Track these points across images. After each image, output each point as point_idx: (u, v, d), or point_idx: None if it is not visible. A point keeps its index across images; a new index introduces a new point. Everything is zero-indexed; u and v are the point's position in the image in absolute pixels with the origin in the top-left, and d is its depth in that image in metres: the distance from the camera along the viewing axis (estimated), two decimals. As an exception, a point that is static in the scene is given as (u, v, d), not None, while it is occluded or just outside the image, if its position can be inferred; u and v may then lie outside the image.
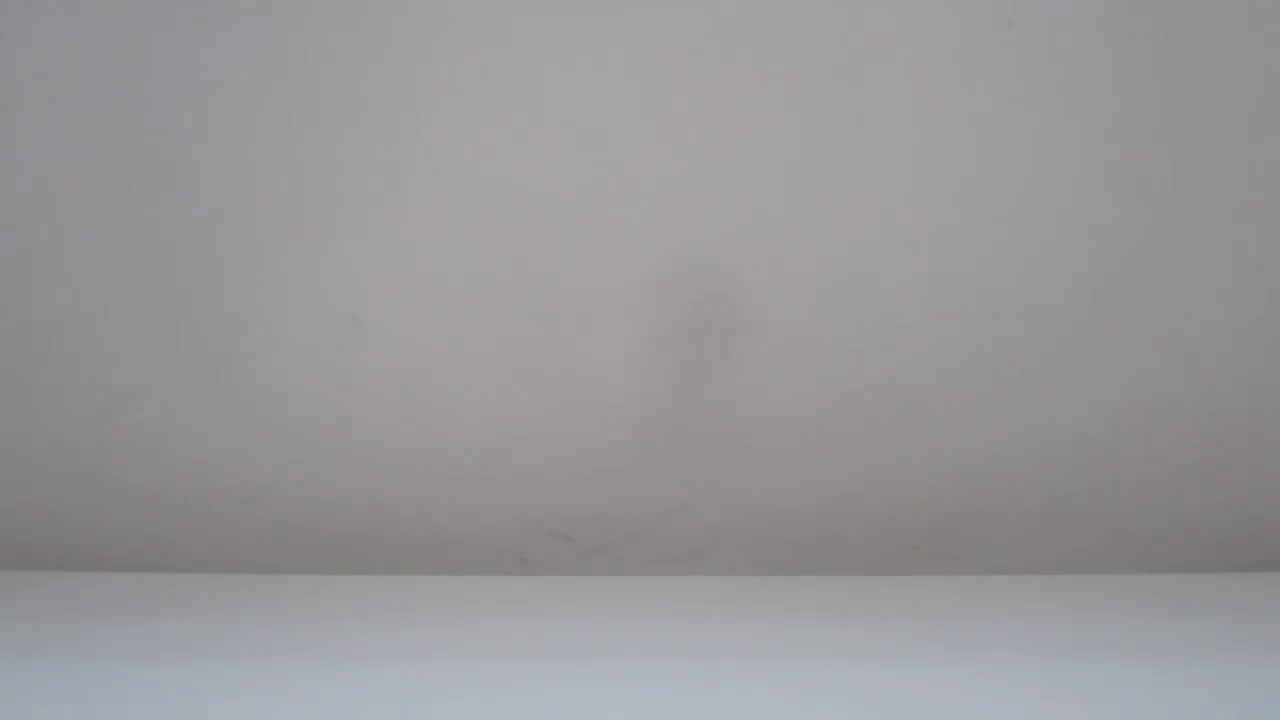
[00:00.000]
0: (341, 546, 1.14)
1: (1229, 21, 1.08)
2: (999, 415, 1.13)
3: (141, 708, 0.83)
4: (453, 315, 1.12)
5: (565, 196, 1.10)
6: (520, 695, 0.85)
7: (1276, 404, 1.13)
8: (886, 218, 1.11)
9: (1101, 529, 1.15)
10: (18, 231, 1.09)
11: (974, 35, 1.08)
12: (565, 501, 1.14)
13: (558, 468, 1.14)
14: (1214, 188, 1.10)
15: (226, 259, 1.10)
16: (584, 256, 1.11)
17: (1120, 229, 1.11)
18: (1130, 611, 1.04)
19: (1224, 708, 0.84)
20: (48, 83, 1.07)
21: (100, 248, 1.10)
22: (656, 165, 1.10)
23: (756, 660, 0.92)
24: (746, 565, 1.15)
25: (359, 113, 1.08)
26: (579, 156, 1.10)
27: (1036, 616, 1.03)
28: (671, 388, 1.13)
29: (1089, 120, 1.09)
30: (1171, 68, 1.09)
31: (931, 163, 1.10)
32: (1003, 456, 1.14)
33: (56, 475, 1.13)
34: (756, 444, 1.14)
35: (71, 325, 1.10)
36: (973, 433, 1.13)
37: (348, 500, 1.14)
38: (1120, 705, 0.84)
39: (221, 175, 1.09)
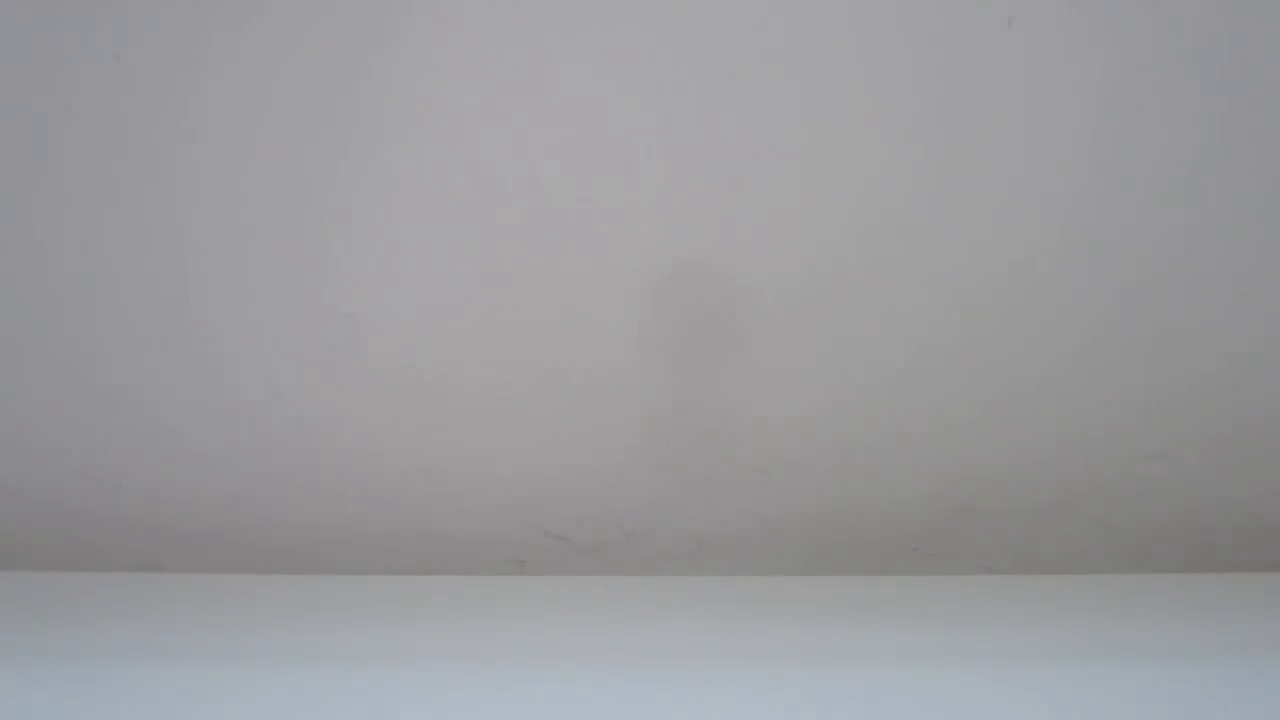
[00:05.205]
0: (337, 546, 1.14)
1: (1231, 18, 1.08)
2: (999, 415, 1.13)
3: (140, 708, 0.83)
4: (448, 314, 1.11)
5: (563, 194, 1.10)
6: (516, 695, 0.85)
7: (1277, 404, 1.13)
8: (886, 217, 1.10)
9: (1101, 529, 1.15)
10: (12, 230, 1.09)
11: (974, 33, 1.08)
12: (562, 501, 1.14)
13: (554, 467, 1.13)
14: (1215, 187, 1.10)
15: (220, 258, 1.10)
16: (581, 255, 1.11)
17: (1120, 229, 1.11)
18: (1130, 611, 1.04)
19: (1224, 708, 0.84)
20: (41, 80, 1.07)
21: (93, 247, 1.09)
22: (655, 164, 1.09)
23: (755, 660, 0.92)
24: (745, 565, 1.15)
25: (354, 110, 1.08)
26: (577, 155, 1.09)
27: (1036, 616, 1.03)
28: (670, 387, 1.13)
29: (1089, 120, 1.09)
30: (1173, 66, 1.09)
31: (931, 162, 1.10)
32: (1003, 457, 1.14)
33: (53, 475, 1.12)
34: (756, 444, 1.13)
35: (63, 325, 1.10)
36: (973, 433, 1.13)
37: (343, 500, 1.13)
38: (1120, 705, 0.84)
39: (215, 174, 1.09)
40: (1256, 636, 0.97)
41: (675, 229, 1.11)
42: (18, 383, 1.11)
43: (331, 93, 1.08)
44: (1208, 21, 1.08)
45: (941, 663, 0.91)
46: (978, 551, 1.15)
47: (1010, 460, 1.14)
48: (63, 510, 1.13)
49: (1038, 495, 1.14)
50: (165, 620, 1.01)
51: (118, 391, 1.11)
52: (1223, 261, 1.11)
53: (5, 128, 1.08)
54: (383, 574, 1.14)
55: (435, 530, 1.14)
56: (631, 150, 1.09)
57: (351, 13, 1.07)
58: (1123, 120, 1.09)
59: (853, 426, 1.13)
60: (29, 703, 0.84)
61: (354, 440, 1.13)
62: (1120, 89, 1.09)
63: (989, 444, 1.13)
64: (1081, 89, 1.09)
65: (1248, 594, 1.09)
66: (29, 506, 1.13)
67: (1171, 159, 1.10)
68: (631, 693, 0.86)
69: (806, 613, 1.04)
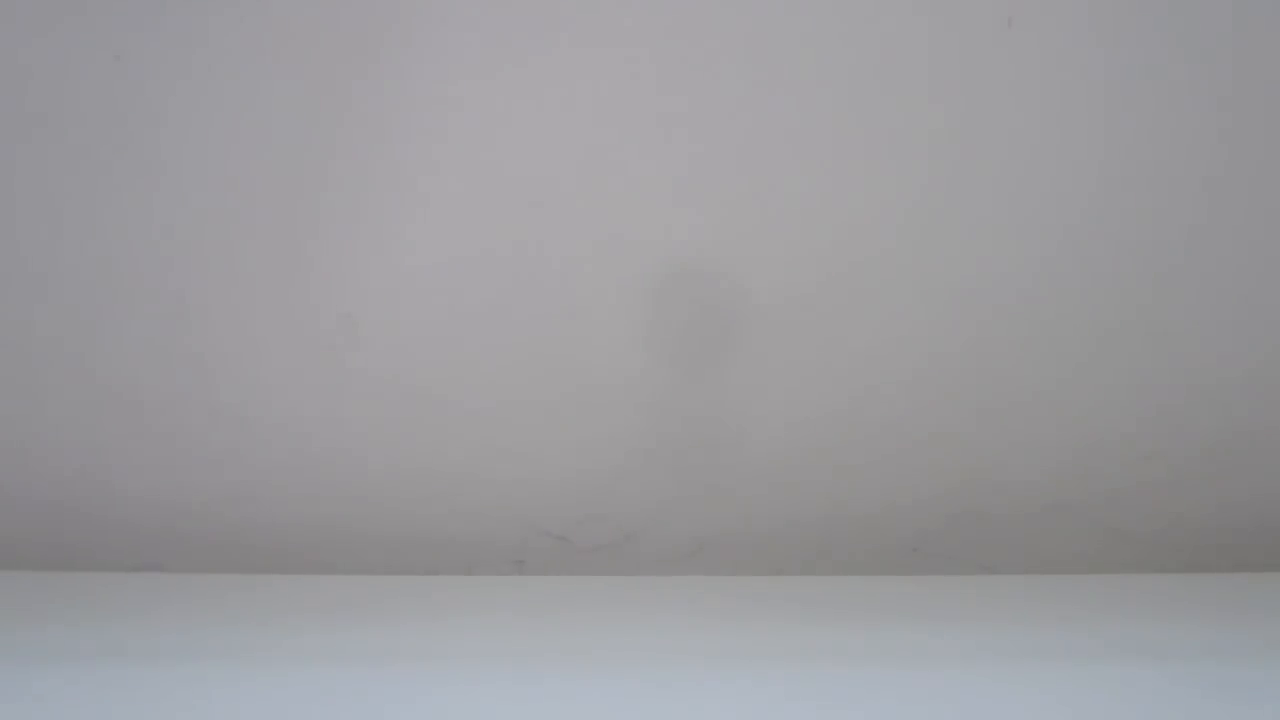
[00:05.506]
0: (336, 547, 1.14)
1: (1233, 18, 1.08)
2: (1000, 417, 1.13)
3: (140, 708, 0.83)
4: (447, 314, 1.11)
5: (563, 194, 1.10)
6: (516, 695, 0.85)
7: (1275, 405, 1.13)
8: (887, 218, 1.10)
9: (1101, 529, 1.15)
10: (12, 231, 1.09)
11: (974, 33, 1.08)
12: (561, 502, 1.14)
13: (554, 468, 1.13)
14: (1216, 190, 1.10)
15: (218, 258, 1.10)
16: (581, 255, 1.11)
17: (1119, 230, 1.11)
18: (1130, 611, 1.04)
19: (1224, 708, 0.84)
20: (41, 81, 1.07)
21: (91, 247, 1.09)
22: (656, 163, 1.09)
23: (755, 661, 0.92)
24: (745, 565, 1.15)
25: (353, 109, 1.08)
26: (577, 154, 1.09)
27: (1036, 617, 1.02)
28: (670, 388, 1.13)
29: (1089, 121, 1.09)
30: (1174, 66, 1.08)
31: (931, 163, 1.10)
32: (1004, 457, 1.14)
33: (53, 475, 1.12)
34: (756, 444, 1.13)
35: (63, 326, 1.10)
36: (974, 435, 1.13)
37: (342, 501, 1.13)
38: (1120, 705, 0.84)
39: (213, 174, 1.09)
40: (1256, 636, 0.97)
41: (677, 230, 1.10)
42: (18, 383, 1.11)
43: (331, 91, 1.08)
44: (1209, 21, 1.08)
45: (941, 663, 0.91)
46: (978, 552, 1.15)
47: (1011, 462, 1.14)
48: (63, 510, 1.13)
49: (1038, 496, 1.14)
50: (165, 620, 1.01)
51: (117, 392, 1.11)
52: (1222, 264, 1.11)
53: (5, 128, 1.08)
54: (383, 574, 1.14)
55: (435, 531, 1.14)
56: (633, 151, 1.09)
57: (350, 11, 1.07)
58: (1123, 121, 1.09)
59: (853, 427, 1.13)
60: (29, 703, 0.84)
61: (354, 440, 1.13)
62: (1121, 89, 1.09)
63: (990, 446, 1.13)
64: (1082, 89, 1.09)
65: (1248, 594, 1.09)
66: (29, 506, 1.13)
67: (1172, 161, 1.10)
68: (631, 693, 0.86)
69: (806, 613, 1.04)
